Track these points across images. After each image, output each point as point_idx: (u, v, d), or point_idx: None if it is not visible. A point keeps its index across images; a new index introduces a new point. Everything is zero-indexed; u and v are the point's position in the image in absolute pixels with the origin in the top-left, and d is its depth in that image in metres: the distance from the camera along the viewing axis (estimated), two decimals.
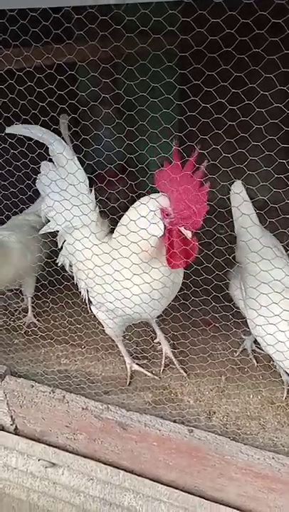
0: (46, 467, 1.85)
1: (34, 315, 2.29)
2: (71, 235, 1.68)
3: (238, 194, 1.74)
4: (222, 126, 1.22)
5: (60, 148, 1.58)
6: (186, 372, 1.92)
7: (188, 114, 1.08)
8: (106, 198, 1.86)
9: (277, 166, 1.22)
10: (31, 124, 1.51)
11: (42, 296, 2.09)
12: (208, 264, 1.39)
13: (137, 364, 1.94)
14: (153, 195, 1.33)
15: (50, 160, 1.65)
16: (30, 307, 2.29)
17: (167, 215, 1.34)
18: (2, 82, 1.31)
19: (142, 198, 1.40)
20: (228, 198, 1.84)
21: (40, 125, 1.48)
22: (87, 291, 1.76)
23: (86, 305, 1.83)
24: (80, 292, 1.83)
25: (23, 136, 1.51)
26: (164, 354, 1.96)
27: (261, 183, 1.32)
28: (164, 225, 1.35)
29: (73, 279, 1.84)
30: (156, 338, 2.04)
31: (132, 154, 1.53)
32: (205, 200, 1.24)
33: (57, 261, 1.83)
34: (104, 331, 1.84)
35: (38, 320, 2.27)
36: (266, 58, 1.01)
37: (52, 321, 2.08)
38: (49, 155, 1.62)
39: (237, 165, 1.19)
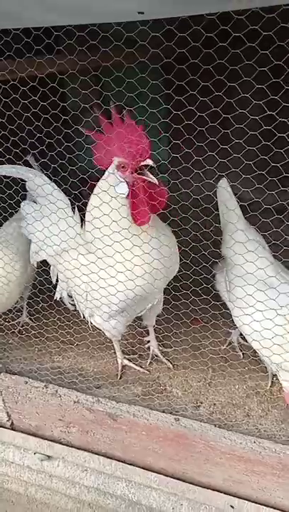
0: (42, 460, 1.93)
1: (27, 315, 2.36)
2: (62, 265, 1.75)
3: (224, 189, 1.80)
4: (206, 125, 1.29)
5: (38, 183, 1.67)
6: (172, 364, 2.00)
7: (174, 113, 1.16)
8: None
9: (257, 162, 1.30)
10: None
11: (33, 295, 2.16)
12: (196, 255, 1.45)
13: (127, 359, 2.02)
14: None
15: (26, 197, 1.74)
16: (25, 309, 2.36)
17: (123, 167, 1.38)
18: None
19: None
20: (214, 194, 1.92)
21: (27, 135, 1.55)
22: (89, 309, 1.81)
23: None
24: (83, 316, 1.88)
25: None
26: (151, 352, 2.04)
27: (243, 177, 1.39)
28: (127, 182, 1.39)
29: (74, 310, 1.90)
30: (147, 338, 2.11)
31: None
32: (143, 135, 1.30)
33: (55, 297, 1.89)
34: (94, 328, 1.92)
35: (30, 319, 2.34)
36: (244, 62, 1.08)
37: (44, 320, 2.16)
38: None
39: (220, 160, 1.26)
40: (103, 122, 1.35)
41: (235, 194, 1.78)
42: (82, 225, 1.68)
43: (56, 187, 1.70)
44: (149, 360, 2.03)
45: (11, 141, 1.50)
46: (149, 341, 2.09)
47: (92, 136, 1.37)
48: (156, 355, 2.06)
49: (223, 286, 1.89)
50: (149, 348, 2.08)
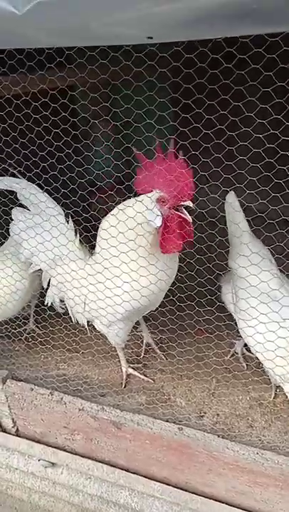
0: (46, 467, 1.94)
1: (34, 323, 2.40)
2: (55, 271, 1.79)
3: (231, 203, 1.84)
4: (212, 141, 1.33)
5: (30, 192, 1.71)
6: (166, 358, 2.08)
7: (181, 130, 1.20)
8: (106, 208, 1.97)
9: (261, 178, 1.34)
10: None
11: (40, 303, 2.20)
12: (200, 267, 1.48)
13: (132, 368, 2.04)
14: (142, 197, 1.44)
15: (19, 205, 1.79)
16: (32, 316, 2.40)
17: (163, 202, 1.42)
18: (2, 109, 1.45)
19: (128, 201, 1.49)
20: (218, 208, 1.95)
21: (38, 148, 1.60)
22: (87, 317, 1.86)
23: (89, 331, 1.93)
24: (77, 322, 1.92)
25: None
26: (145, 341, 2.12)
27: (248, 192, 1.43)
28: (162, 214, 1.44)
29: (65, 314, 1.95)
30: (140, 328, 2.17)
31: (128, 168, 1.64)
32: (190, 175, 1.34)
33: (45, 302, 1.93)
34: (100, 336, 1.95)
35: (37, 327, 2.38)
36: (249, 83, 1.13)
37: (50, 328, 2.19)
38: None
39: (225, 175, 1.30)
40: (157, 155, 1.39)
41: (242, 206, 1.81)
42: (76, 235, 1.74)
43: (47, 196, 1.73)
44: (142, 353, 2.10)
45: (22, 153, 1.55)
46: (141, 331, 2.16)
47: (142, 162, 1.40)
48: (149, 345, 2.12)
49: (229, 297, 1.91)
50: (149, 345, 2.16)
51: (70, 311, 1.91)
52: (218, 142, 1.21)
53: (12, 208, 1.80)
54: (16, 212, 1.83)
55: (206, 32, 0.93)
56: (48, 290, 1.90)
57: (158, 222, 1.44)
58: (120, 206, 1.47)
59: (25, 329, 2.38)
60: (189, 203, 1.38)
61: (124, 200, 1.54)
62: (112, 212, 1.51)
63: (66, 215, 1.73)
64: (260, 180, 1.25)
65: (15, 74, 1.36)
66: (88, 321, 1.89)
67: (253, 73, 1.11)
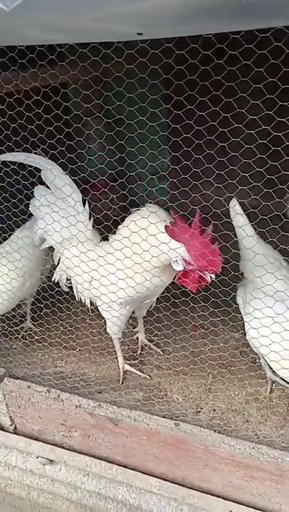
0: (44, 464, 1.95)
1: (31, 321, 2.40)
2: (69, 250, 1.83)
3: (233, 209, 1.85)
4: (204, 137, 1.34)
5: (54, 173, 1.72)
6: (162, 351, 2.10)
7: (173, 127, 1.20)
8: (100, 205, 1.99)
9: (254, 173, 1.35)
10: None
11: (37, 301, 2.21)
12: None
13: (129, 364, 2.05)
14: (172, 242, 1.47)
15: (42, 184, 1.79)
16: (28, 315, 2.40)
17: (188, 263, 1.49)
18: None
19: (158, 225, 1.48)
20: (211, 204, 1.96)
21: (31, 146, 1.61)
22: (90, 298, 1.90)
23: (86, 311, 1.96)
24: (82, 302, 1.95)
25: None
26: (140, 342, 2.16)
27: (240, 188, 1.43)
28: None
29: (68, 294, 1.97)
30: (136, 329, 2.20)
31: (122, 165, 1.65)
32: (218, 254, 1.41)
33: (52, 278, 1.97)
34: (97, 333, 1.96)
35: (34, 325, 2.38)
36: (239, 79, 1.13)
37: (46, 325, 2.19)
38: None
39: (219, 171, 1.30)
40: (181, 221, 1.43)
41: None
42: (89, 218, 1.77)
43: (69, 179, 1.75)
44: (139, 351, 2.13)
45: (15, 152, 1.55)
46: (137, 332, 2.18)
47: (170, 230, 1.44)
48: (145, 344, 2.15)
49: (241, 301, 1.92)
50: (138, 338, 2.18)
51: (74, 290, 1.95)
52: (211, 138, 1.22)
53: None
54: (38, 190, 1.85)
55: (196, 28, 0.93)
56: (58, 267, 1.95)
57: (179, 267, 1.50)
58: (151, 230, 1.47)
59: (23, 327, 2.38)
60: (213, 276, 1.46)
61: (118, 196, 1.56)
62: (139, 226, 1.51)
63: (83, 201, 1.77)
64: (252, 176, 1.26)
65: (7, 72, 1.35)
66: (91, 302, 1.92)
67: (244, 69, 1.12)
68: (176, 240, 1.44)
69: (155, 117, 1.22)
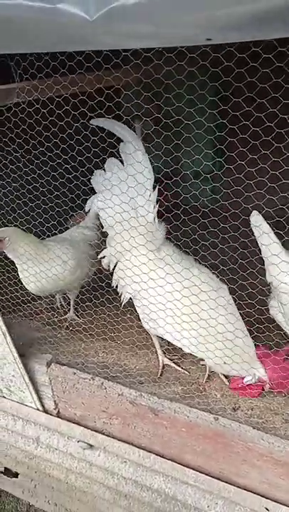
0: (84, 449, 2.04)
1: (75, 312, 2.51)
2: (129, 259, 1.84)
3: (257, 227, 1.85)
4: (260, 138, 1.37)
5: (134, 147, 1.69)
6: (189, 373, 2.07)
7: (230, 127, 1.26)
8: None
9: None
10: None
11: (81, 294, 2.31)
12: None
13: (168, 358, 2.10)
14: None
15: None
16: (72, 307, 2.52)
17: (263, 381, 1.73)
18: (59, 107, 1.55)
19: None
20: (264, 204, 1.96)
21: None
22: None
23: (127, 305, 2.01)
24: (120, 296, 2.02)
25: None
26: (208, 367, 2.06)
27: None
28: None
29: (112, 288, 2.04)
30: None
31: (176, 164, 1.66)
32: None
33: (112, 284, 2.02)
34: (135, 326, 2.03)
35: (77, 316, 2.49)
36: None
37: (89, 318, 2.29)
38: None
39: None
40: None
41: (284, 205, 1.82)
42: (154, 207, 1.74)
43: (148, 161, 1.68)
44: (159, 372, 2.09)
45: (76, 150, 1.64)
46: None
47: None
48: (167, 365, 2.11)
49: (276, 310, 1.93)
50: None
51: (118, 283, 1.99)
52: (267, 139, 1.26)
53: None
54: (111, 162, 1.82)
55: (264, 33, 0.98)
56: (107, 250, 1.98)
57: (249, 380, 1.74)
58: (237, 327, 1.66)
59: (66, 318, 2.50)
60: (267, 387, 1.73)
61: (171, 195, 1.58)
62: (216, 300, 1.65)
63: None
64: None
65: (74, 74, 1.45)
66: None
67: None
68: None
69: (212, 118, 1.27)
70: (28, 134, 1.76)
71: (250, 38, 0.99)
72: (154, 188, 1.71)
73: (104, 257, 2.00)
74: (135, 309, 2.16)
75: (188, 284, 1.65)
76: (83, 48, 1.08)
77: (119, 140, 1.70)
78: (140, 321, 2.09)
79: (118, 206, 1.72)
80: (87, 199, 1.96)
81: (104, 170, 1.85)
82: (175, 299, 1.68)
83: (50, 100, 1.53)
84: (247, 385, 1.78)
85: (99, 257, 2.03)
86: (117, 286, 2.02)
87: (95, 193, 1.93)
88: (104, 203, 1.80)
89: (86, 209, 1.98)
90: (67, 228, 2.52)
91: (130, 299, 1.99)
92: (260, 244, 1.65)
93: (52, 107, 1.53)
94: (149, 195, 1.72)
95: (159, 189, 1.64)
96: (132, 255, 1.81)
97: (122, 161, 1.80)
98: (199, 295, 1.62)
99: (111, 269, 2.03)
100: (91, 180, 1.88)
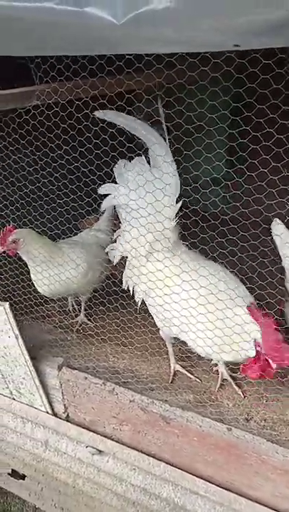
0: (93, 454, 2.02)
1: (86, 315, 2.50)
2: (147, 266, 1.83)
3: (278, 235, 1.83)
4: (270, 152, 1.35)
5: (161, 151, 1.65)
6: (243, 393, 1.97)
7: (253, 134, 1.24)
8: None
9: None
10: None
11: (94, 298, 2.29)
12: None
13: (180, 365, 2.08)
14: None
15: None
16: (83, 310, 2.50)
17: (259, 346, 1.58)
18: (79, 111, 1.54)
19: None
20: (286, 213, 1.92)
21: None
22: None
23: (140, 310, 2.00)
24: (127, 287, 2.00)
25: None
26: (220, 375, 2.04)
27: None
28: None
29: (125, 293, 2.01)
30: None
31: (197, 170, 1.64)
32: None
33: (123, 285, 2.00)
34: (149, 332, 2.01)
35: (89, 320, 2.48)
36: None
37: (101, 322, 2.28)
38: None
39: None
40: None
41: None
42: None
43: (175, 167, 1.65)
44: (218, 386, 2.02)
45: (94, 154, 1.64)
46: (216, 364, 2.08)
47: None
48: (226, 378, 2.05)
49: None
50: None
51: (129, 282, 1.97)
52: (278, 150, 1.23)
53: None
54: (139, 161, 1.79)
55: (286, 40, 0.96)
56: (118, 244, 1.96)
57: (251, 353, 1.59)
58: (237, 302, 1.60)
59: (77, 321, 2.48)
60: (274, 365, 1.56)
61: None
62: (220, 289, 1.61)
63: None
64: None
65: (95, 78, 1.44)
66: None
67: None
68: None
69: (235, 124, 1.26)
70: (46, 137, 1.75)
71: (283, 44, 0.97)
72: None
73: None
74: (148, 314, 2.14)
75: (205, 282, 1.64)
76: (108, 51, 1.07)
77: (138, 144, 1.68)
78: (152, 326, 2.08)
79: (141, 202, 1.68)
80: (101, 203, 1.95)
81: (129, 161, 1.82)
82: (191, 297, 1.67)
83: (70, 103, 1.52)
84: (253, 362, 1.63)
85: (108, 249, 2.00)
86: (127, 287, 2.00)
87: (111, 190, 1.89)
88: (127, 196, 1.78)
89: (102, 208, 1.96)
90: (79, 232, 2.52)
91: (143, 300, 1.97)
92: (281, 254, 1.63)
93: (71, 110, 1.52)
94: (174, 201, 1.71)
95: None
96: (147, 252, 1.80)
97: (148, 162, 1.77)
98: (217, 294, 1.62)
99: (115, 263, 1.99)
100: (114, 170, 1.84)
